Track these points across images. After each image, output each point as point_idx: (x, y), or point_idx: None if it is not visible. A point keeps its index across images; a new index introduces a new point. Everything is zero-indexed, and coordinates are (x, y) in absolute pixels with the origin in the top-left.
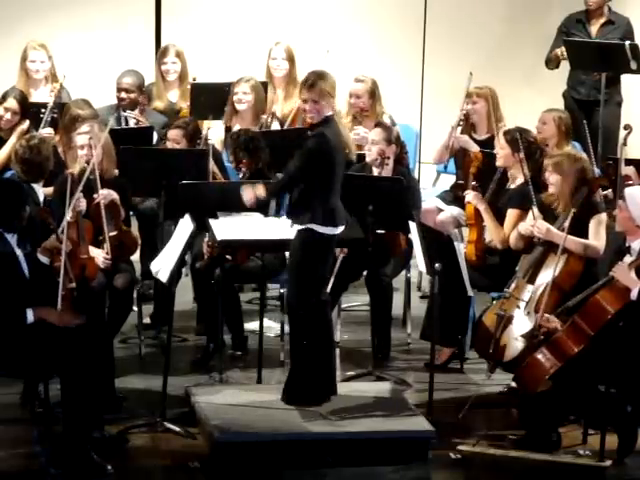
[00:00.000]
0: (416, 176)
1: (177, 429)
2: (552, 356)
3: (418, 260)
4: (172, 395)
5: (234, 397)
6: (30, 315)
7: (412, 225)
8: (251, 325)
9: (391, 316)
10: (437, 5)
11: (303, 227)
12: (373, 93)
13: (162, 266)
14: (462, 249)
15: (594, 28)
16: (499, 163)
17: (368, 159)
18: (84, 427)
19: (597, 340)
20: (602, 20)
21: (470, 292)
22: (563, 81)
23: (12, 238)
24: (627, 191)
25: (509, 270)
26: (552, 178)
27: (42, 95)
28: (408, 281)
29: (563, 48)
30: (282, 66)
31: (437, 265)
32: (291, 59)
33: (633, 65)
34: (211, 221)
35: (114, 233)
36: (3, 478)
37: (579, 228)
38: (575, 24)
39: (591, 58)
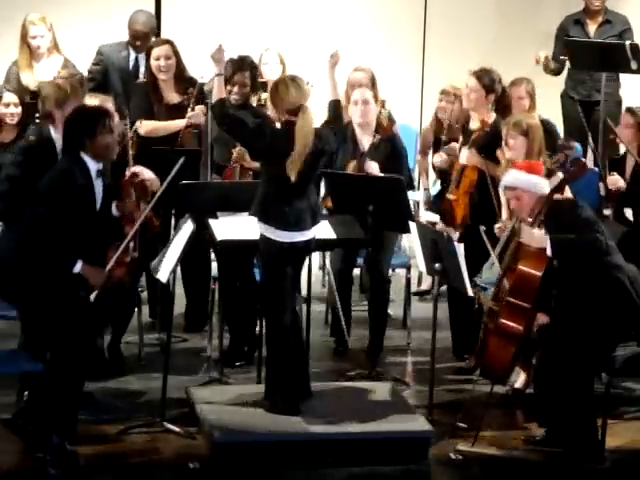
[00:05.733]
0: (416, 176)
1: (177, 429)
2: (505, 342)
3: (418, 260)
4: (172, 395)
5: (234, 397)
6: (78, 266)
7: (412, 225)
8: None
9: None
10: (437, 4)
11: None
12: (374, 82)
13: (162, 266)
14: (462, 249)
15: (592, 28)
16: (467, 105)
17: (359, 120)
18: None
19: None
20: (600, 20)
21: (470, 292)
22: (563, 79)
23: (93, 167)
24: (509, 181)
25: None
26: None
27: (45, 68)
28: (408, 281)
29: (542, 54)
30: (275, 70)
31: (437, 265)
32: (282, 62)
33: (633, 65)
34: (211, 221)
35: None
36: (3, 478)
37: None
38: (573, 25)
39: (591, 58)
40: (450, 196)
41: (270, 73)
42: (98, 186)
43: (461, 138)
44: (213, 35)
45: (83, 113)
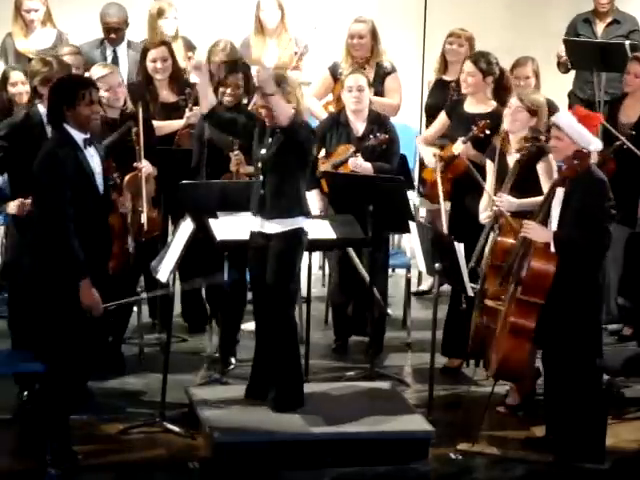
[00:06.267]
0: (416, 177)
1: (177, 429)
2: (520, 341)
3: (418, 260)
4: (172, 395)
5: (234, 397)
6: (84, 280)
7: (412, 225)
8: (251, 325)
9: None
10: (438, 4)
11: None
12: (375, 33)
13: (162, 266)
14: (462, 249)
15: (600, 28)
16: (466, 90)
17: (353, 107)
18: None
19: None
20: (608, 20)
21: (470, 292)
22: (567, 78)
23: (79, 137)
24: (559, 120)
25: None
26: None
27: (38, 38)
28: (408, 281)
29: (561, 48)
30: (275, 16)
31: (437, 265)
32: (281, 8)
33: None
34: (211, 221)
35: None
36: (3, 478)
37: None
38: (582, 24)
39: (591, 58)
40: (435, 176)
41: (269, 20)
42: (91, 155)
43: (443, 115)
44: (212, 26)
45: (64, 83)
